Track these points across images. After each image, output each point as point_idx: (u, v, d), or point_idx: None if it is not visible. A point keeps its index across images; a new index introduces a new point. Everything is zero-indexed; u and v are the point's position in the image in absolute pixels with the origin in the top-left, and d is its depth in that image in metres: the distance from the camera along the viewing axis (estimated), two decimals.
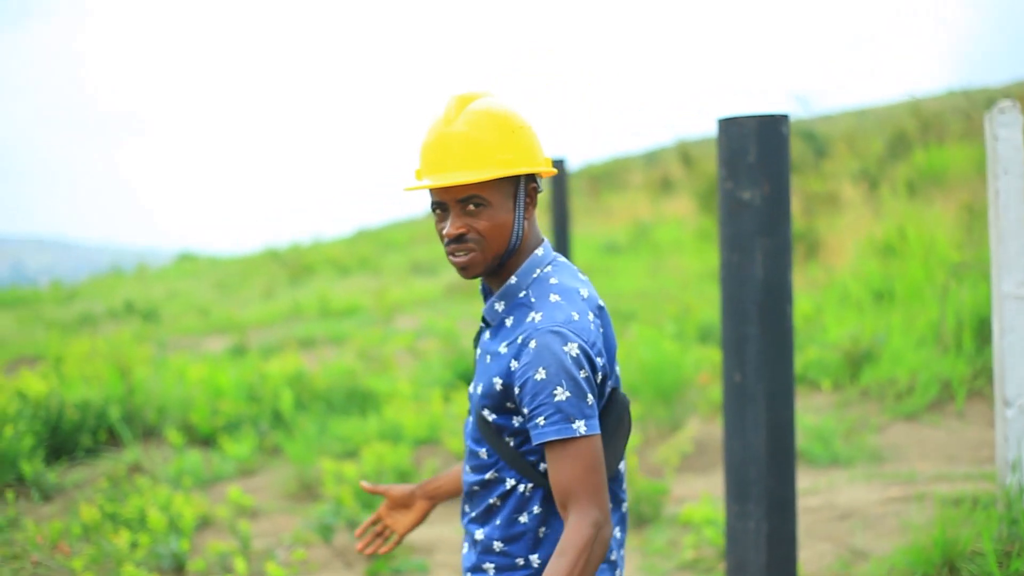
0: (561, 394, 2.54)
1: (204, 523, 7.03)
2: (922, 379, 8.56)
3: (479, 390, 2.75)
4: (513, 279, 2.74)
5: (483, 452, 2.79)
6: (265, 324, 17.82)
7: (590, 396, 2.60)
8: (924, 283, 10.45)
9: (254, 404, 9.01)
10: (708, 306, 12.94)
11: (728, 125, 3.83)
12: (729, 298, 3.86)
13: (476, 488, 2.83)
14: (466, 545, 2.94)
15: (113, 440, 8.64)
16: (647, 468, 7.75)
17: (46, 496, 7.51)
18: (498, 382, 2.66)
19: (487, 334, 2.79)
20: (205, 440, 8.85)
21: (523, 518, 2.75)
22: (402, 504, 3.25)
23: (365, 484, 3.23)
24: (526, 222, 2.75)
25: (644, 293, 16.17)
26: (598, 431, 2.59)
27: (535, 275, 2.75)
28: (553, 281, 2.74)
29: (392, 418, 8.39)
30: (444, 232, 2.68)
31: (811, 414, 8.50)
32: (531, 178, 2.76)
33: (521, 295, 2.73)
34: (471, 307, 17.82)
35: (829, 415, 8.30)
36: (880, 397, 8.72)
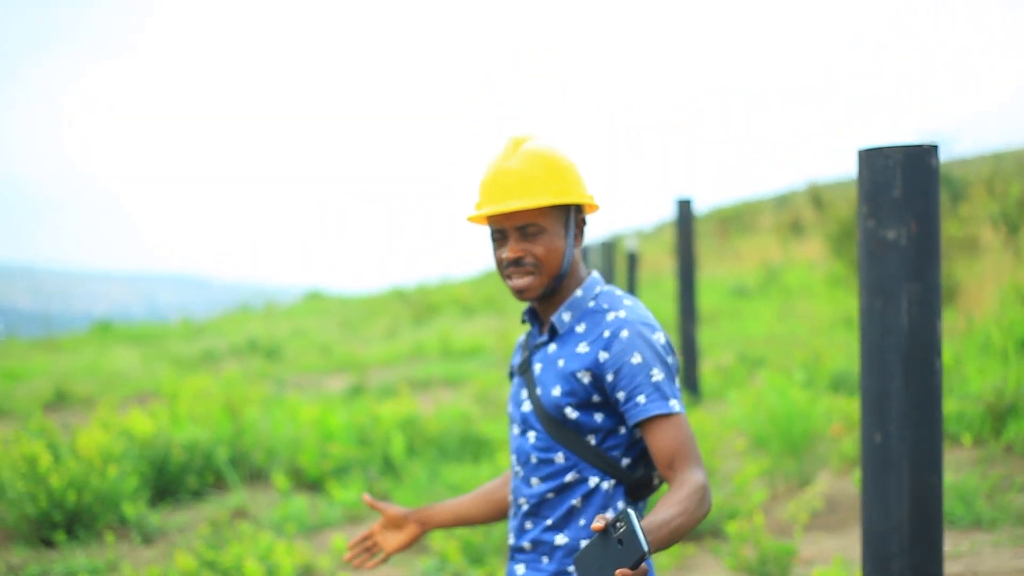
0: (657, 375, 2.91)
1: (306, 572, 6.74)
2: None
3: (556, 392, 3.01)
4: (579, 291, 3.10)
5: (558, 457, 3.02)
6: (386, 364, 17.70)
7: (677, 380, 3.00)
8: None
9: (365, 448, 8.71)
10: (840, 353, 12.41)
11: (871, 157, 3.43)
12: (870, 349, 3.45)
13: (550, 495, 3.02)
14: (525, 561, 3.09)
15: (220, 482, 8.39)
16: (774, 525, 7.30)
17: (147, 539, 7.30)
18: (585, 375, 2.97)
19: (552, 345, 3.09)
20: (313, 484, 8.58)
21: (609, 514, 2.95)
22: (395, 525, 3.41)
23: (367, 497, 3.38)
24: (576, 250, 3.10)
25: (773, 338, 15.72)
26: (684, 411, 2.93)
27: (598, 290, 3.13)
28: (619, 293, 3.13)
29: (505, 466, 8.03)
30: (503, 256, 3.04)
31: (951, 471, 7.98)
32: (579, 212, 3.11)
33: (591, 304, 3.09)
34: None
35: (970, 472, 7.77)
36: None
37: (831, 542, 7.10)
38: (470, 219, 3.14)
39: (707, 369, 12.39)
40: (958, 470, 8.00)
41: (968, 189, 21.96)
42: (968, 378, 9.91)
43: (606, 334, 2.98)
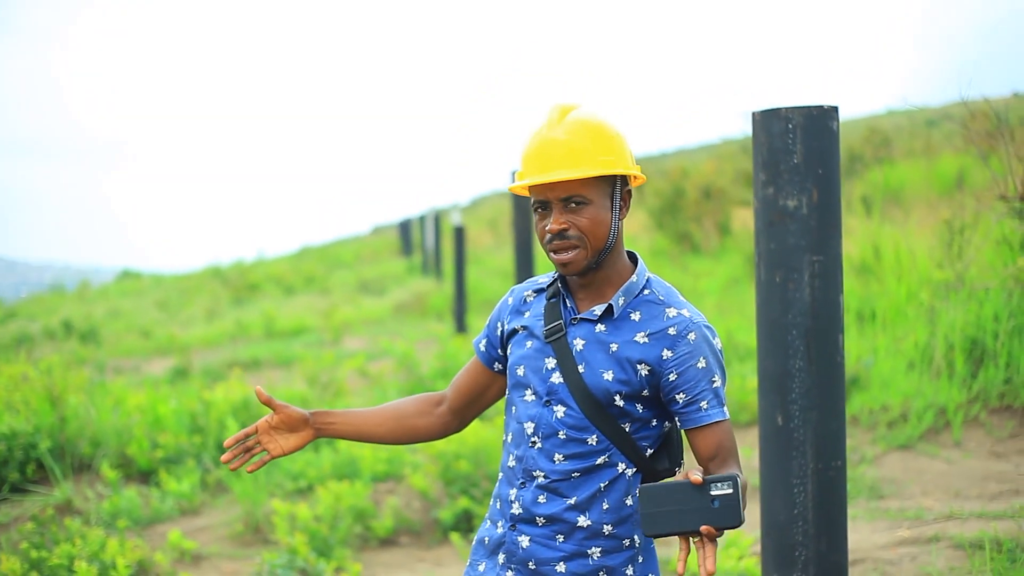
0: (718, 381, 2.94)
1: (141, 570, 6.33)
2: (916, 406, 7.99)
3: (608, 376, 2.95)
4: (634, 278, 3.03)
5: (592, 439, 2.97)
6: (209, 345, 17.26)
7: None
8: (906, 303, 9.91)
9: (197, 435, 8.25)
10: None
11: (767, 119, 3.21)
12: (770, 326, 3.23)
13: (576, 475, 2.97)
14: (532, 535, 3.02)
15: (43, 476, 7.86)
16: None
17: None
18: (644, 367, 2.93)
19: (601, 326, 3.00)
20: (144, 475, 8.09)
21: (629, 500, 2.98)
22: (288, 426, 3.15)
23: (260, 390, 3.11)
24: (621, 223, 3.01)
25: None
26: None
27: (648, 276, 3.07)
28: (666, 283, 3.08)
29: (347, 451, 7.69)
30: (547, 228, 2.95)
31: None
32: (625, 183, 3.02)
33: (646, 292, 3.03)
34: (422, 326, 17.22)
35: None
36: (871, 425, 8.14)
37: None
38: (512, 190, 3.12)
39: None
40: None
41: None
42: None
43: (671, 331, 2.95)
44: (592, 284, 3.04)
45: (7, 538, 6.66)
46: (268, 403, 3.11)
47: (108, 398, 9.00)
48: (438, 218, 24.74)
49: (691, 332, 2.93)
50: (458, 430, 3.36)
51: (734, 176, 20.52)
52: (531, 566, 3.01)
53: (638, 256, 3.09)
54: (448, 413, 3.30)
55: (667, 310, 2.97)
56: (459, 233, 16.26)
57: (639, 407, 2.96)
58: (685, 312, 2.97)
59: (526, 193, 3.09)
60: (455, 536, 6.53)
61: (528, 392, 3.06)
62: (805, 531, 3.20)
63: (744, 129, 21.48)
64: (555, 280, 3.13)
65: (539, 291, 3.17)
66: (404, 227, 35.11)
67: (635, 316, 2.98)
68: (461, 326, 15.23)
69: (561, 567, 2.98)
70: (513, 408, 3.11)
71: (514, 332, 3.17)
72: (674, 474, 3.03)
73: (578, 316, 3.03)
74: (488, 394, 3.31)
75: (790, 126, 3.16)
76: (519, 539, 3.03)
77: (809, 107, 3.15)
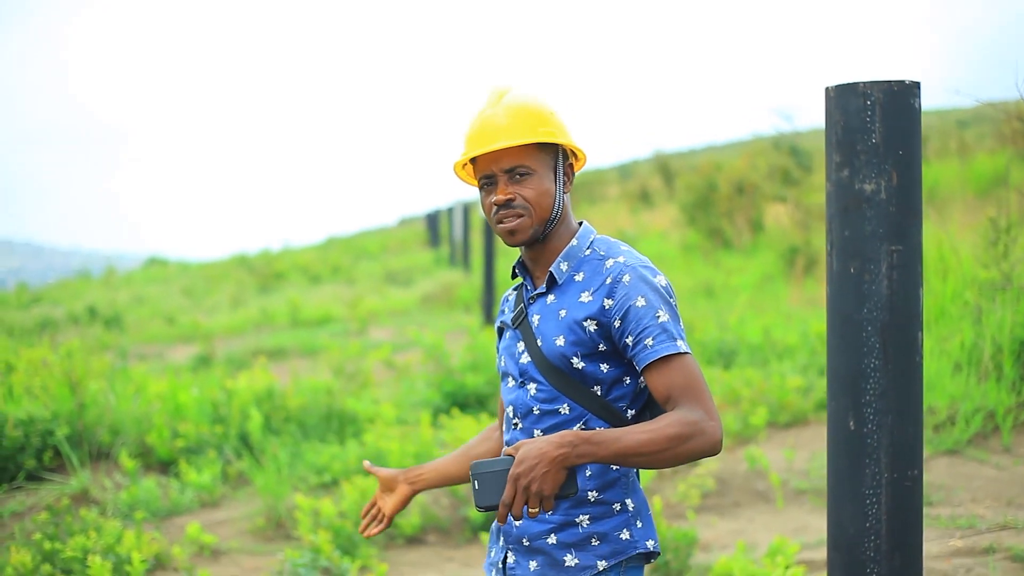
0: (663, 315, 2.86)
1: (158, 564, 6.10)
2: (963, 409, 7.68)
3: (560, 342, 2.94)
4: (574, 241, 3.04)
5: (564, 407, 2.95)
6: (233, 333, 17.14)
7: (680, 320, 2.92)
8: (951, 303, 9.61)
9: (219, 425, 7.99)
10: (711, 324, 12.00)
11: (844, 95, 2.92)
12: (843, 321, 2.95)
13: None
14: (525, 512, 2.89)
15: (60, 464, 7.62)
16: (663, 508, 6.84)
17: None
18: (591, 323, 2.91)
19: (551, 296, 3.02)
20: (163, 465, 7.85)
21: (615, 464, 2.82)
22: (387, 487, 3.37)
23: (367, 464, 3.39)
24: (565, 195, 3.06)
25: None
26: (691, 351, 2.88)
27: (592, 238, 3.07)
28: (613, 240, 3.07)
29: (374, 445, 7.43)
30: (493, 200, 2.99)
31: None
32: (566, 158, 3.08)
33: (587, 252, 3.03)
34: (449, 318, 16.99)
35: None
36: None
37: (725, 525, 6.69)
38: (456, 172, 3.18)
39: None
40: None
41: (815, 160, 21.94)
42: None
43: (608, 280, 2.94)
44: (542, 257, 3.07)
45: (21, 528, 6.45)
46: (370, 471, 3.39)
47: (129, 385, 8.78)
48: (467, 209, 24.52)
49: (625, 274, 2.92)
50: None
51: (767, 172, 20.23)
52: (525, 543, 3.01)
53: (586, 223, 3.13)
54: (501, 432, 3.37)
55: (605, 262, 2.98)
56: (488, 226, 15.99)
57: (603, 366, 2.94)
58: (620, 259, 2.97)
59: (471, 180, 3.17)
60: (485, 536, 6.25)
61: (510, 379, 3.11)
62: (877, 547, 2.92)
63: (776, 125, 21.14)
64: (514, 268, 3.17)
65: (515, 287, 3.23)
66: (432, 219, 34.97)
67: (579, 277, 3.00)
68: (489, 318, 14.98)
69: (552, 539, 2.97)
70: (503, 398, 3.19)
71: (500, 332, 3.25)
72: None
73: (534, 293, 3.07)
74: None
75: (868, 103, 2.87)
76: (516, 523, 3.03)
77: (890, 82, 2.87)
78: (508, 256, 23.12)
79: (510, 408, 3.09)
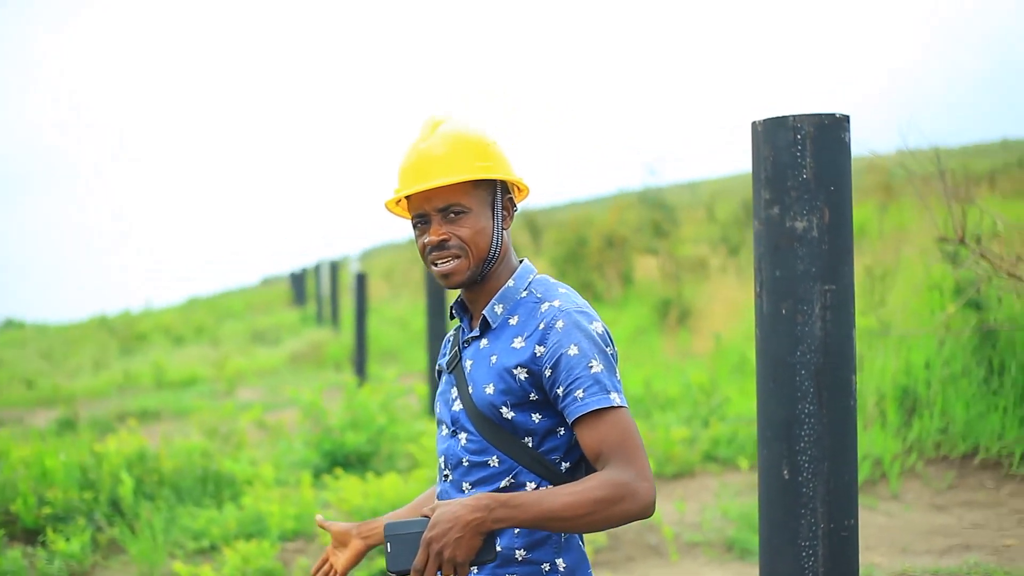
0: (596, 366, 2.67)
1: None
2: None
3: (490, 390, 2.77)
4: (511, 282, 2.88)
5: (494, 460, 2.78)
6: (96, 396, 16.69)
7: (617, 371, 2.76)
8: None
9: (88, 490, 7.61)
10: None
11: (773, 130, 2.80)
12: (775, 365, 2.82)
13: None
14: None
15: None
16: None
17: None
18: (521, 371, 2.73)
19: (484, 340, 2.85)
20: (29, 534, 7.43)
21: None
22: (340, 541, 3.14)
23: (319, 518, 3.17)
24: (505, 232, 2.89)
25: None
26: (627, 404, 2.70)
27: (531, 279, 2.90)
28: (553, 281, 2.90)
29: (253, 508, 7.13)
30: (426, 240, 2.84)
31: (733, 498, 7.53)
32: (506, 191, 2.92)
33: (523, 295, 2.86)
34: (320, 377, 16.70)
35: (754, 499, 7.34)
36: None
37: None
38: (389, 209, 3.02)
39: None
40: (739, 496, 7.57)
41: (680, 214, 22.14)
42: (730, 399, 9.56)
43: (541, 326, 2.76)
44: (479, 299, 2.91)
45: None
46: (322, 526, 3.15)
47: None
48: (334, 267, 24.29)
49: (558, 320, 2.74)
50: None
51: (637, 225, 20.34)
52: None
53: (527, 261, 2.96)
54: None
55: (541, 306, 2.81)
56: (360, 280, 15.79)
57: (535, 416, 2.76)
58: (556, 303, 2.79)
59: (405, 214, 3.01)
60: None
61: (443, 427, 2.95)
62: None
63: (645, 180, 21.33)
64: (452, 307, 3.00)
65: (456, 328, 3.07)
66: (297, 277, 34.73)
67: (513, 321, 2.84)
68: (361, 375, 14.72)
69: None
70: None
71: (439, 374, 3.07)
72: None
73: (468, 337, 2.92)
74: None
75: (798, 136, 2.76)
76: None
77: (820, 115, 2.76)
78: (376, 314, 22.91)
79: (442, 459, 2.92)
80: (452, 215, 2.81)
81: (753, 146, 2.87)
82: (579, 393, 2.66)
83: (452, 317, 3.01)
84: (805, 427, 2.77)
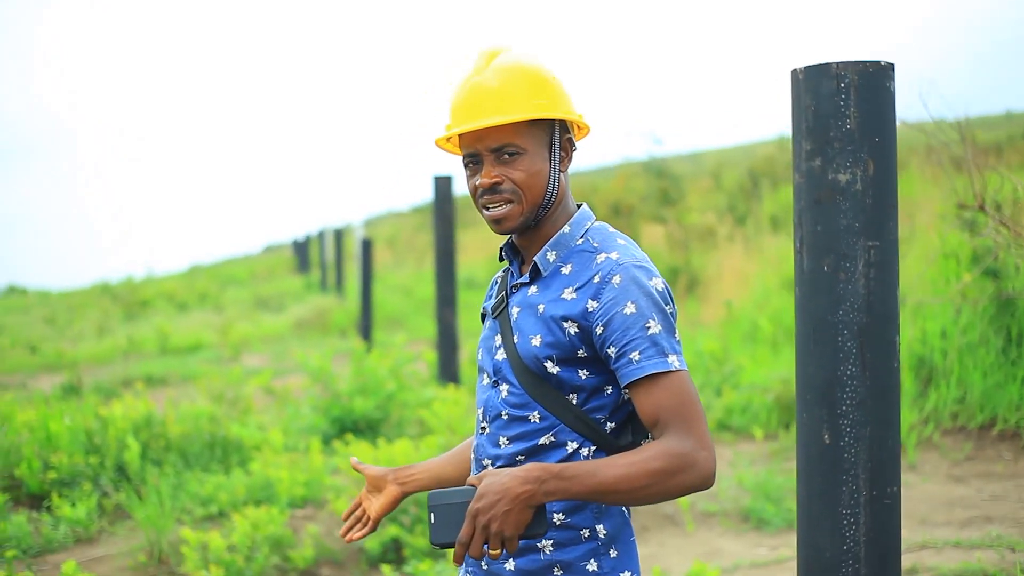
0: (654, 327, 2.51)
1: None
2: None
3: (536, 342, 2.61)
4: (567, 228, 2.70)
5: (534, 415, 2.63)
6: (101, 361, 16.56)
7: (677, 332, 2.58)
8: None
9: (94, 455, 7.49)
10: None
11: (816, 78, 2.68)
12: (815, 324, 2.70)
13: (521, 458, 2.63)
14: None
15: None
16: None
17: None
18: (571, 325, 2.57)
19: (533, 288, 2.70)
20: (34, 499, 7.33)
21: None
22: (375, 486, 3.00)
23: (354, 460, 3.05)
24: (562, 175, 2.71)
25: None
26: (686, 368, 2.52)
27: (588, 226, 2.72)
28: (612, 230, 2.71)
29: (262, 474, 7.02)
30: (477, 183, 2.66)
31: (748, 467, 7.42)
32: (565, 130, 2.72)
33: (579, 242, 2.69)
34: (326, 343, 16.60)
35: (769, 468, 7.23)
36: None
37: None
38: (439, 145, 2.82)
39: (467, 359, 11.59)
40: (754, 465, 7.46)
41: (684, 184, 21.98)
42: (743, 368, 9.44)
43: (596, 279, 2.57)
44: (534, 244, 2.74)
45: None
46: (357, 469, 3.03)
47: None
48: (339, 233, 24.17)
49: (615, 275, 2.55)
50: None
51: (643, 194, 20.19)
52: (484, 566, 2.70)
53: (585, 206, 2.78)
54: None
55: (597, 257, 2.63)
56: (366, 245, 15.69)
57: (581, 373, 2.59)
58: (613, 255, 2.60)
59: (456, 151, 2.81)
60: (387, 569, 5.87)
61: (484, 376, 2.80)
62: (856, 571, 2.67)
63: (650, 150, 21.12)
64: (502, 249, 2.83)
65: (504, 269, 2.90)
66: (301, 244, 34.65)
67: (566, 270, 2.66)
68: (368, 341, 14.61)
69: (510, 565, 2.64)
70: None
71: (483, 318, 2.91)
72: None
73: (517, 282, 2.75)
74: None
75: (842, 85, 2.64)
76: None
77: (865, 62, 2.64)
78: (379, 282, 22.78)
79: (480, 410, 2.77)
80: (506, 156, 2.63)
81: (793, 95, 2.74)
82: (635, 355, 2.49)
83: (501, 259, 2.84)
84: (847, 390, 2.66)
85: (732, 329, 11.23)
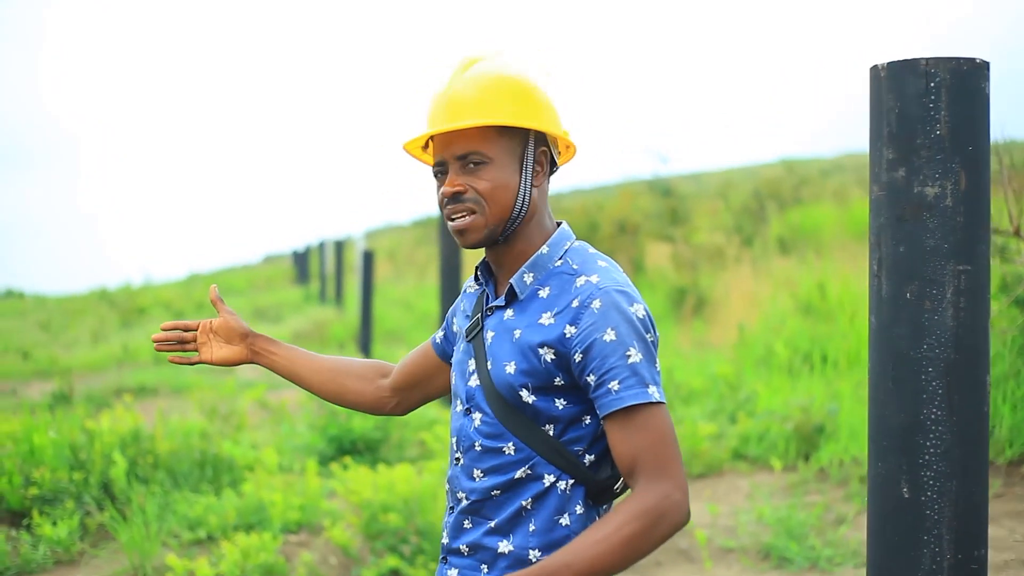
0: (634, 355, 2.39)
1: None
2: None
3: (511, 369, 2.49)
4: (544, 248, 2.57)
5: (509, 447, 2.51)
6: (94, 369, 16.35)
7: (657, 361, 2.47)
8: (863, 347, 9.17)
9: (78, 471, 7.11)
10: None
11: (901, 76, 2.32)
12: (895, 360, 2.33)
13: (496, 493, 2.52)
14: (460, 567, 2.58)
15: None
16: None
17: None
18: (548, 352, 2.45)
19: (509, 311, 2.56)
20: (14, 516, 6.95)
21: (564, 520, 2.48)
22: (227, 336, 2.94)
23: (214, 289, 2.96)
24: (535, 190, 2.57)
25: None
26: (664, 400, 2.41)
27: (567, 246, 2.60)
28: (592, 251, 2.60)
29: (254, 495, 6.65)
30: (442, 191, 2.55)
31: (767, 499, 7.06)
32: (542, 143, 2.58)
33: (557, 264, 2.56)
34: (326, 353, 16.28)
35: (790, 503, 6.86)
36: (842, 480, 7.33)
37: None
38: (410, 152, 2.70)
39: None
40: (772, 499, 7.10)
41: (689, 204, 21.72)
42: (758, 394, 9.08)
43: (575, 303, 2.46)
44: (505, 262, 2.61)
45: None
46: (215, 303, 2.95)
47: None
48: (339, 245, 23.90)
49: (595, 299, 2.44)
50: (394, 412, 3.02)
51: (648, 212, 19.94)
52: None
53: (564, 225, 2.65)
54: (388, 388, 2.99)
55: (576, 280, 2.51)
56: (367, 258, 15.40)
57: (558, 402, 2.48)
58: (594, 278, 2.48)
59: (429, 160, 2.68)
60: None
61: (458, 402, 2.67)
62: None
63: (655, 169, 20.92)
64: (477, 269, 2.69)
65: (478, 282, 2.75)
66: (300, 255, 34.51)
67: (543, 293, 2.54)
68: (367, 355, 14.29)
69: None
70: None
71: (457, 335, 2.80)
72: (618, 484, 2.57)
73: (492, 305, 2.61)
74: (433, 384, 2.97)
75: (932, 85, 2.27)
76: (448, 572, 2.62)
77: (958, 59, 2.28)
78: (379, 295, 22.47)
79: (454, 439, 2.65)
80: (471, 164, 2.50)
81: (873, 95, 2.38)
82: (614, 385, 2.37)
83: (476, 279, 2.69)
84: (931, 436, 2.29)
85: (745, 353, 10.87)
